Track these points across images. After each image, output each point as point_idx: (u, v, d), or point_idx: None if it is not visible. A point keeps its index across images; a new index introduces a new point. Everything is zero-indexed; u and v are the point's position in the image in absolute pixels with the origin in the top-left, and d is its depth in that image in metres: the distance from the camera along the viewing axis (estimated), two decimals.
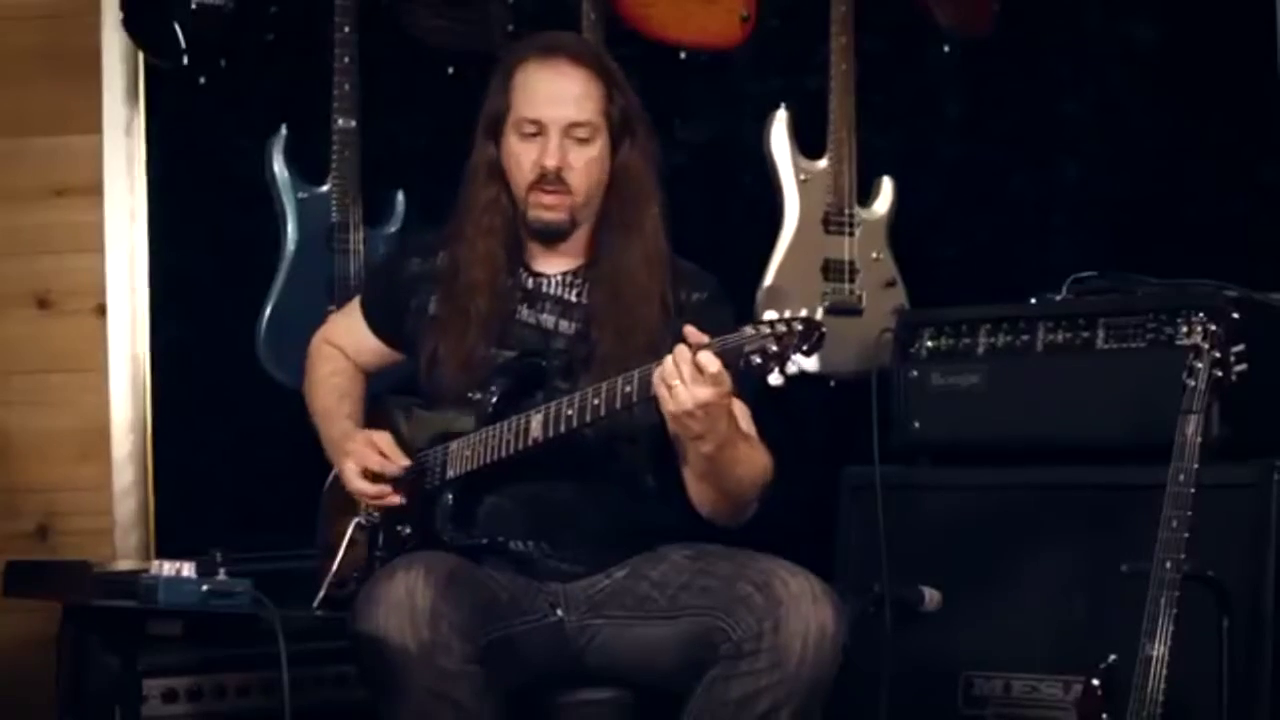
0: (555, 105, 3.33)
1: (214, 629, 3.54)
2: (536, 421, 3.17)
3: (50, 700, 3.73)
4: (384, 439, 3.35)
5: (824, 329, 2.92)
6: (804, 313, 2.93)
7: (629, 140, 3.37)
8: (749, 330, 2.94)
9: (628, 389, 3.06)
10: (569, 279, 3.39)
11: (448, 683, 3.01)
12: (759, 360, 2.91)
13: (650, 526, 3.33)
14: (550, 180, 3.31)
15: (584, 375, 3.29)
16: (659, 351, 3.07)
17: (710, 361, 2.96)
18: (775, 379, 2.91)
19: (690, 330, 3.01)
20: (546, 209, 3.33)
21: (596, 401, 3.10)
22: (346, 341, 3.60)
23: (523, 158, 3.34)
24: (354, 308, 3.61)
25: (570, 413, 3.12)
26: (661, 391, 3.00)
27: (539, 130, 3.32)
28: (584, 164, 3.33)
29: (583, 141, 3.33)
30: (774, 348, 2.90)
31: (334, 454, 3.47)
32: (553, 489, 3.27)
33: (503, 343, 3.35)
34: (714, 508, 3.24)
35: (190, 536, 3.94)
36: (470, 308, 3.34)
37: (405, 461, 3.33)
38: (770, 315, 2.94)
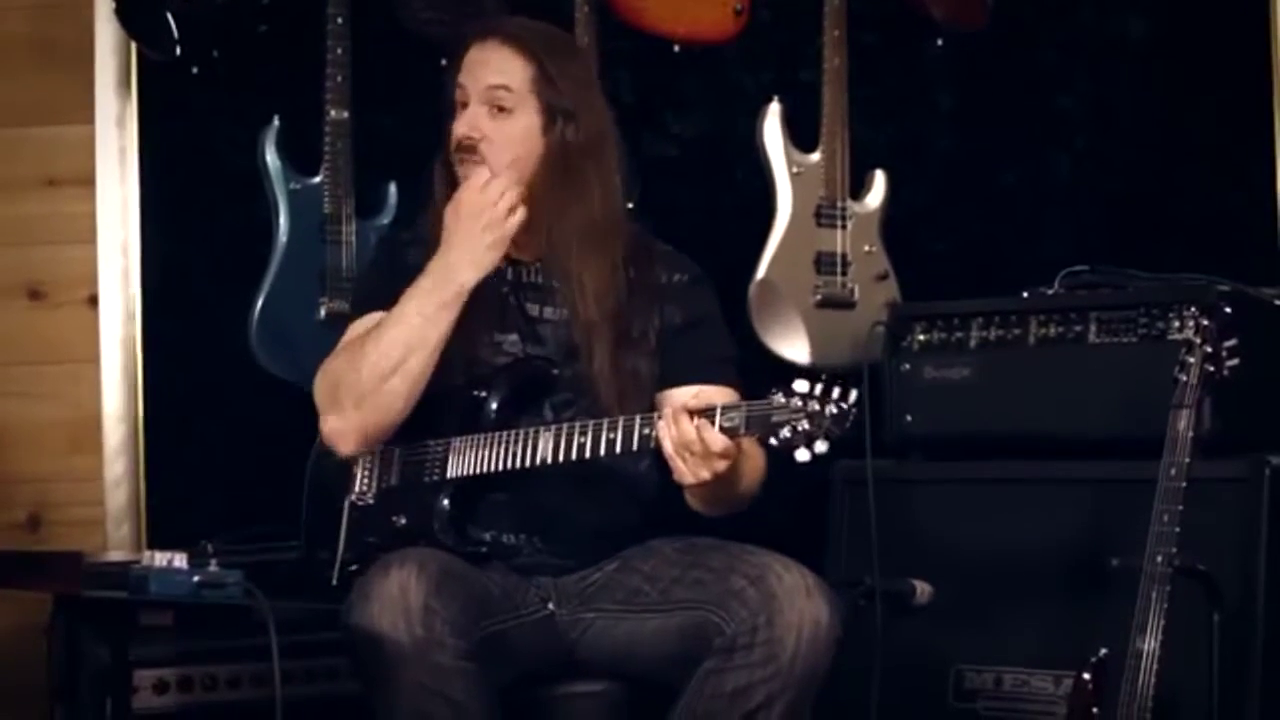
0: (475, 73, 3.33)
1: (205, 620, 3.54)
2: (547, 440, 3.15)
3: (41, 691, 3.73)
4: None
5: (858, 408, 2.88)
6: (837, 390, 2.89)
7: (565, 124, 3.32)
8: (779, 399, 2.90)
9: (646, 432, 3.05)
10: (543, 264, 3.38)
11: (441, 679, 3.00)
12: (788, 435, 2.88)
13: (644, 520, 3.33)
14: (465, 149, 3.31)
15: (576, 362, 3.29)
16: (623, 323, 3.17)
17: (716, 441, 2.94)
18: (802, 455, 2.89)
19: (694, 401, 2.99)
20: (464, 177, 3.31)
21: (613, 436, 3.09)
22: None
23: (454, 130, 3.34)
24: (360, 323, 3.38)
25: (584, 441, 3.12)
26: (674, 463, 3.00)
27: (463, 98, 3.33)
28: (503, 136, 3.30)
29: (502, 111, 3.31)
30: (805, 426, 2.88)
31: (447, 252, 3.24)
32: (549, 485, 3.26)
33: (502, 328, 3.34)
34: (710, 511, 3.25)
35: (182, 527, 3.94)
36: None
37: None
38: (802, 386, 2.89)
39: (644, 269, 3.37)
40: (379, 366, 3.20)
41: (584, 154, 3.33)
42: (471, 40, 3.38)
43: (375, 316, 3.31)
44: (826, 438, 2.88)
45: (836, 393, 2.89)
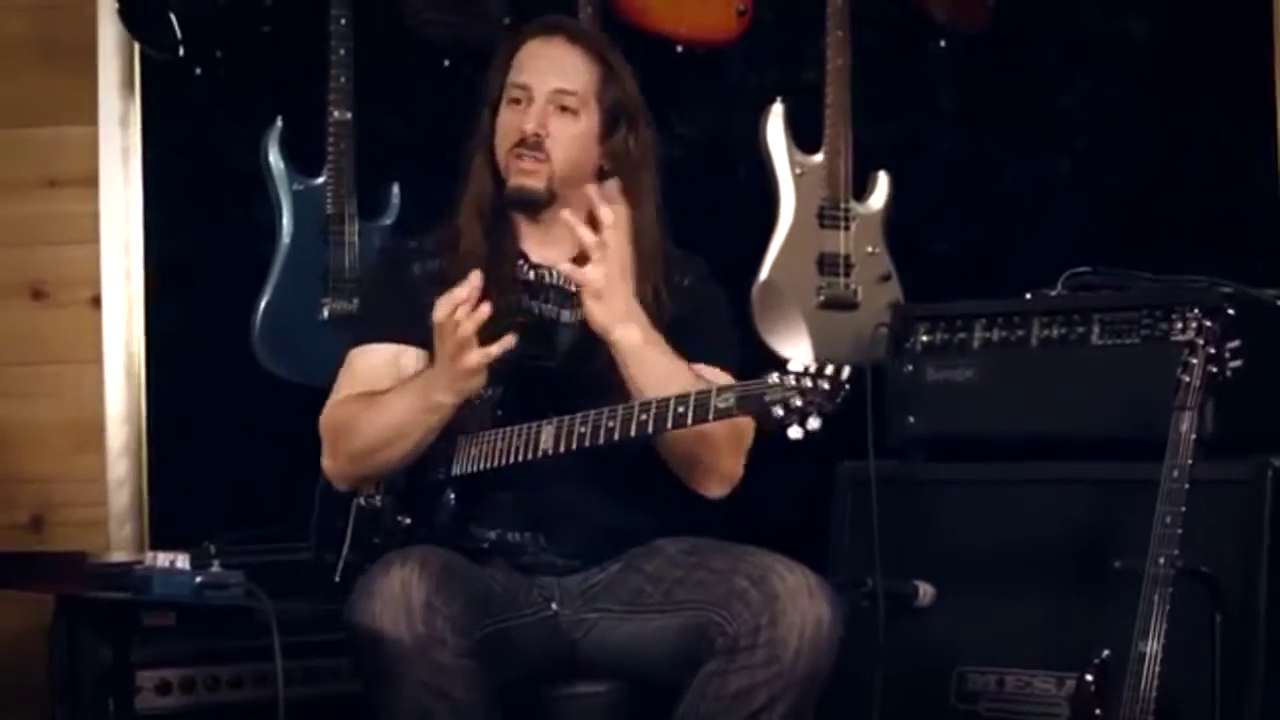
0: (543, 72, 3.34)
1: (208, 621, 3.54)
2: (548, 433, 3.15)
3: (43, 691, 3.73)
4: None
5: (849, 386, 2.90)
6: (830, 368, 2.91)
7: (625, 129, 3.36)
8: (773, 378, 2.91)
9: (644, 418, 3.05)
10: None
11: (442, 677, 3.00)
12: (781, 413, 2.90)
13: (650, 521, 3.33)
14: (529, 145, 3.31)
15: (594, 367, 3.28)
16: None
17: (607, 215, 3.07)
18: (795, 433, 2.90)
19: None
20: (523, 174, 3.32)
21: (611, 424, 3.08)
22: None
23: (507, 125, 3.34)
24: (363, 358, 3.37)
25: (584, 430, 3.11)
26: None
27: (526, 96, 3.33)
28: (566, 136, 3.32)
29: (568, 112, 3.33)
30: (798, 402, 2.89)
31: (438, 376, 3.17)
32: (555, 485, 3.25)
33: (507, 333, 3.34)
34: (680, 458, 3.24)
35: (184, 528, 3.95)
36: None
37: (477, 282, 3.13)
38: (797, 366, 2.92)
39: (664, 275, 3.38)
40: (371, 440, 3.25)
41: (640, 160, 3.37)
42: (530, 36, 3.39)
43: (377, 351, 3.33)
44: (820, 413, 2.88)
45: (830, 369, 2.90)
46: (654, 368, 3.16)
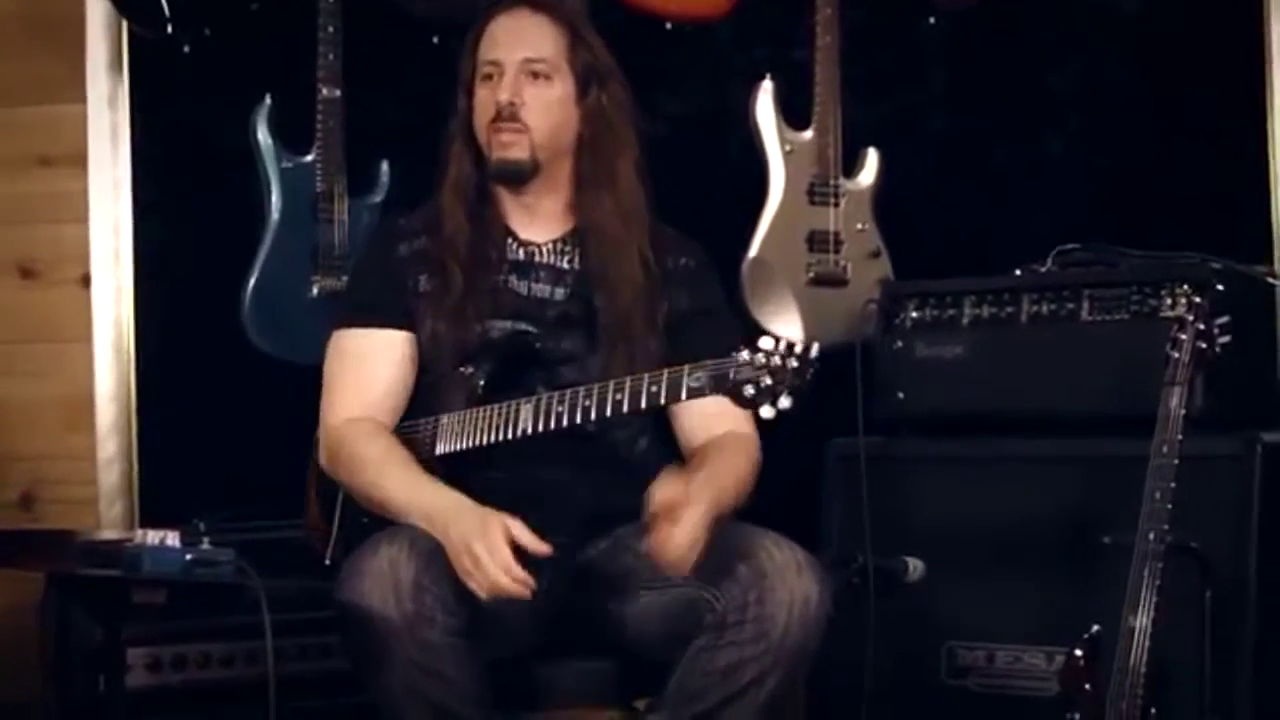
0: (510, 45, 3.34)
1: (198, 598, 3.54)
2: (526, 412, 3.15)
3: (34, 669, 3.73)
4: (519, 527, 3.07)
5: (818, 363, 2.89)
6: (799, 346, 2.89)
7: (598, 89, 3.36)
8: (743, 357, 2.90)
9: (619, 397, 3.04)
10: (559, 245, 3.39)
11: (432, 655, 3.01)
12: (751, 392, 2.89)
13: (639, 500, 3.32)
14: (505, 116, 3.31)
15: (580, 343, 3.29)
16: (647, 311, 3.18)
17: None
18: (767, 412, 2.89)
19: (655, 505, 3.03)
20: (504, 146, 3.32)
21: (588, 404, 3.07)
22: (369, 397, 3.34)
23: (483, 101, 3.34)
24: (354, 347, 3.37)
25: (561, 409, 3.10)
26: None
27: (497, 71, 3.33)
28: (542, 103, 3.32)
29: (540, 78, 3.33)
30: (767, 381, 2.88)
31: (447, 528, 3.10)
32: (545, 467, 3.25)
33: (496, 314, 3.34)
34: None
35: (174, 506, 3.93)
36: (452, 280, 3.33)
37: (545, 549, 3.07)
38: (767, 344, 2.90)
39: (654, 251, 3.37)
40: (362, 492, 3.26)
41: (617, 119, 3.36)
42: (495, 10, 3.39)
43: (366, 338, 3.32)
44: (790, 393, 2.88)
45: (799, 348, 2.89)
46: (721, 488, 3.16)
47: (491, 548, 3.01)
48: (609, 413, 3.06)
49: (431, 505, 3.12)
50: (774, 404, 2.88)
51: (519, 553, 3.05)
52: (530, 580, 3.01)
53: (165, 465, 4.40)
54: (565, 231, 3.39)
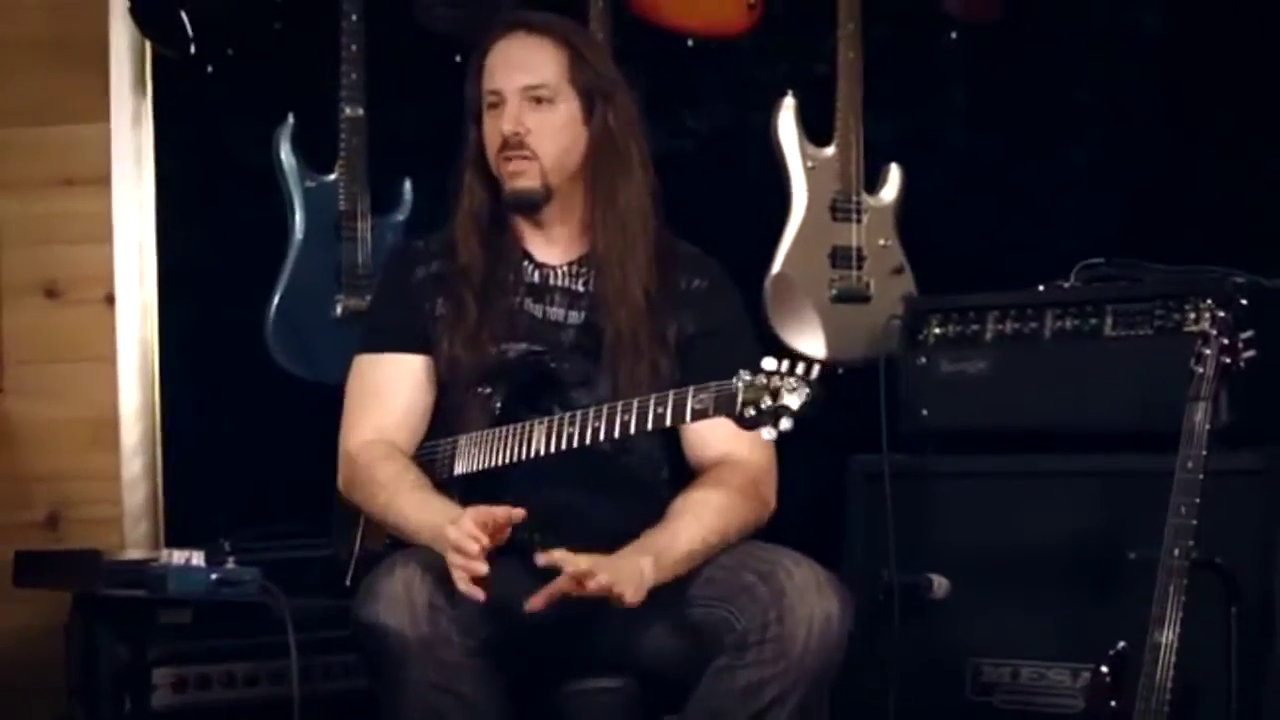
0: (509, 72, 3.32)
1: (223, 618, 3.54)
2: (539, 433, 3.15)
3: (60, 689, 3.74)
4: (478, 513, 3.07)
5: (822, 387, 2.89)
6: (802, 367, 2.90)
7: (603, 106, 3.34)
8: (745, 378, 2.91)
9: (627, 418, 3.05)
10: (574, 268, 3.38)
11: (449, 675, 3.01)
12: (753, 414, 2.90)
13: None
14: (512, 145, 3.30)
15: (593, 365, 3.29)
16: (653, 331, 3.21)
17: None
18: (768, 434, 2.90)
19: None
20: (514, 176, 3.31)
21: (598, 424, 3.08)
22: (385, 421, 3.34)
23: (491, 132, 3.34)
24: (373, 372, 3.37)
25: (572, 430, 3.11)
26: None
27: (499, 100, 3.32)
28: (548, 129, 3.30)
29: (544, 103, 3.31)
30: (768, 402, 2.89)
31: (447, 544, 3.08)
32: (563, 485, 3.24)
33: (512, 336, 3.34)
34: None
35: (199, 525, 3.94)
36: (466, 307, 3.32)
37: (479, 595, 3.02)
38: (769, 364, 2.91)
39: (667, 271, 3.36)
40: (377, 516, 3.26)
41: (624, 136, 3.35)
42: (495, 38, 3.37)
43: (384, 363, 3.33)
44: (792, 416, 2.88)
45: (801, 369, 2.90)
46: (689, 554, 3.16)
47: (458, 543, 3.01)
48: (617, 433, 3.07)
49: (438, 524, 3.12)
50: (775, 426, 2.89)
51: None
52: (479, 594, 2.99)
53: (190, 484, 4.40)
54: (581, 254, 3.38)
